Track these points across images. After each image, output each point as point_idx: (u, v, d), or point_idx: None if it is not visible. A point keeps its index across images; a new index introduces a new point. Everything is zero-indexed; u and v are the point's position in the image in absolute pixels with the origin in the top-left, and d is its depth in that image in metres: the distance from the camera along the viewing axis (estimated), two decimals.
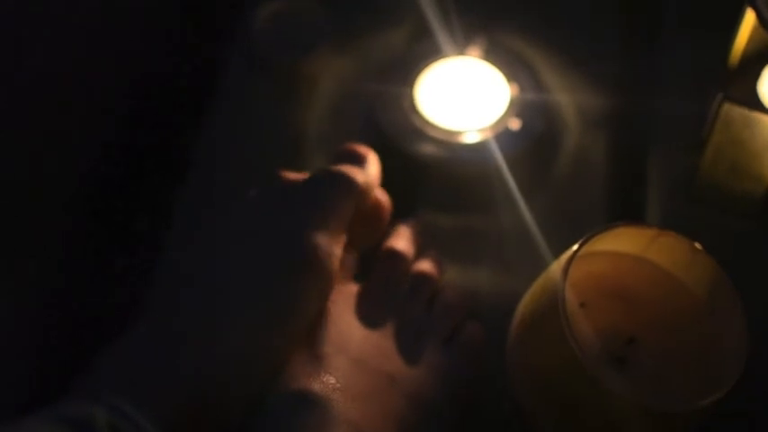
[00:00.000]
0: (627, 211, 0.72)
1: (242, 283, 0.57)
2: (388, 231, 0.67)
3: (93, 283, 0.74)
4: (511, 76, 0.75)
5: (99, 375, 0.53)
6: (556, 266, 0.55)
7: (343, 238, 0.61)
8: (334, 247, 0.59)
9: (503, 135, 0.72)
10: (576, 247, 0.54)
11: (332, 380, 0.56)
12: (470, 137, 0.72)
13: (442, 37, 0.77)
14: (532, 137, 0.73)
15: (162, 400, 0.52)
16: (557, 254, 0.57)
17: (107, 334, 0.55)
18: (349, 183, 0.61)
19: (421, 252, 0.67)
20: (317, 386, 0.55)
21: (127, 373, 0.53)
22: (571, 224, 0.68)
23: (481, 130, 0.72)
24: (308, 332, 0.59)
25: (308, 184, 0.61)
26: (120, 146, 0.81)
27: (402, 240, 0.66)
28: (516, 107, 0.73)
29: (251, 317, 0.56)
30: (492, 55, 0.76)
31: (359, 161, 0.64)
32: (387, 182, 0.67)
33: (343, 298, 0.61)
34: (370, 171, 0.64)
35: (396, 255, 0.65)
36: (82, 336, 0.69)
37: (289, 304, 0.57)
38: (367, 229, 0.65)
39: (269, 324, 0.56)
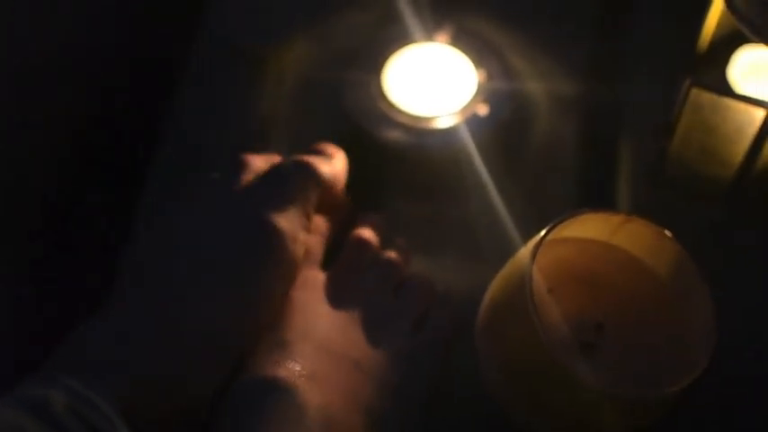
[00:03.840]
0: (595, 197, 0.72)
1: (206, 267, 0.57)
2: (354, 221, 0.67)
3: (59, 263, 0.74)
4: (479, 61, 0.75)
5: (61, 358, 0.52)
6: (523, 252, 0.55)
7: (307, 224, 0.60)
8: (298, 232, 0.59)
9: (470, 121, 0.71)
10: (543, 232, 0.54)
11: (297, 366, 0.56)
12: (438, 122, 0.71)
13: (410, 22, 0.76)
14: (500, 122, 0.72)
15: (124, 385, 0.51)
16: (525, 240, 0.56)
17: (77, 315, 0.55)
18: (313, 170, 0.62)
19: (388, 240, 0.66)
20: (282, 372, 0.55)
21: (89, 357, 0.52)
22: (540, 210, 0.68)
23: (449, 116, 0.72)
24: (274, 319, 0.58)
25: (273, 170, 0.61)
26: (87, 131, 0.80)
27: (369, 229, 0.66)
28: (484, 93, 0.73)
29: (215, 302, 0.56)
30: (460, 41, 0.76)
31: (326, 156, 0.64)
32: (354, 168, 0.67)
33: (310, 285, 0.61)
34: (337, 164, 0.64)
35: (362, 242, 0.65)
36: (56, 316, 0.69)
37: (252, 289, 0.57)
38: (327, 217, 0.65)
39: (233, 309, 0.56)
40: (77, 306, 0.63)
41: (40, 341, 0.62)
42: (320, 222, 0.65)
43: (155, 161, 0.75)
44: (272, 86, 0.78)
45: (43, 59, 0.75)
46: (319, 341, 0.58)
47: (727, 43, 0.67)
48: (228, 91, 0.78)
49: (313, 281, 0.61)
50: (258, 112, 0.77)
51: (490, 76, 0.74)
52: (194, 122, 0.77)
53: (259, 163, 0.62)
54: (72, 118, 0.80)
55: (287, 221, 0.58)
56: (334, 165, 0.64)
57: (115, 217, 0.74)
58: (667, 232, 0.56)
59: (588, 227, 0.57)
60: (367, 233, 0.65)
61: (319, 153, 0.65)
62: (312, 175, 0.61)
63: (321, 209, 0.64)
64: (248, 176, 0.61)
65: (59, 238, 0.78)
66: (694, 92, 0.64)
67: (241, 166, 0.62)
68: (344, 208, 0.67)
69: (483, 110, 0.72)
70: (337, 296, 0.61)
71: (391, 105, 0.73)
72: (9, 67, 0.72)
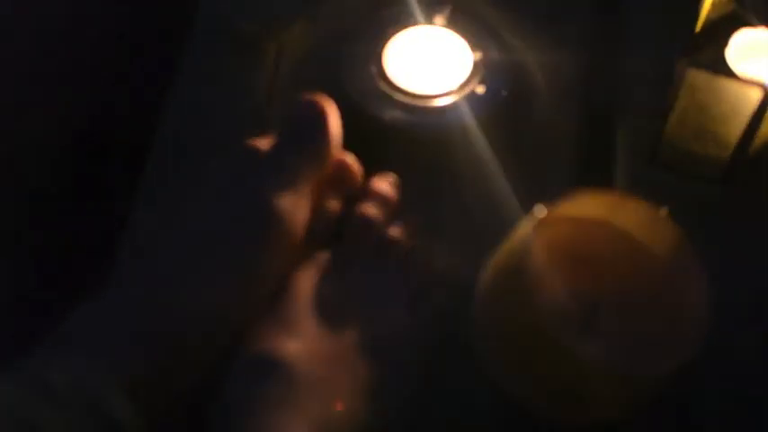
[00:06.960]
0: (593, 176, 0.72)
1: (206, 248, 0.57)
2: (362, 189, 0.66)
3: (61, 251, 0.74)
4: (477, 42, 0.75)
5: (62, 337, 0.53)
6: (521, 231, 0.55)
7: (308, 200, 0.60)
8: (298, 209, 0.59)
9: (468, 99, 0.72)
10: (540, 211, 0.54)
11: (298, 343, 0.56)
12: (436, 101, 0.72)
13: (408, 4, 0.76)
14: (498, 101, 0.73)
15: (124, 363, 0.52)
16: (523, 218, 0.57)
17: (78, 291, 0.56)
18: (312, 142, 0.61)
19: (395, 212, 0.66)
20: (283, 349, 0.55)
21: (91, 336, 0.53)
22: (537, 189, 0.68)
23: (446, 95, 0.72)
24: (275, 297, 0.59)
25: (272, 150, 0.61)
26: (87, 124, 0.80)
27: (373, 205, 0.65)
28: (481, 72, 0.73)
29: (215, 278, 0.56)
30: (458, 22, 0.76)
31: (319, 116, 0.63)
32: (354, 148, 0.67)
33: (312, 264, 0.61)
34: (332, 125, 0.63)
35: (366, 221, 0.64)
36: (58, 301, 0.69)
37: (252, 265, 0.57)
38: (337, 192, 0.65)
39: (233, 285, 0.56)
40: (79, 291, 0.64)
41: (41, 326, 0.63)
42: (326, 199, 0.64)
43: (156, 143, 0.75)
44: (270, 68, 0.79)
45: (44, 47, 0.76)
46: (320, 318, 0.58)
47: (724, 24, 0.67)
48: (228, 74, 0.79)
49: (315, 259, 0.61)
50: (257, 93, 0.77)
51: (488, 56, 0.74)
52: (194, 106, 0.78)
53: (259, 144, 0.62)
54: (72, 110, 0.80)
55: (288, 201, 0.58)
56: (330, 126, 0.62)
57: (117, 204, 0.74)
58: (663, 212, 0.56)
59: (585, 206, 0.58)
60: (371, 210, 0.64)
61: (309, 111, 0.63)
62: (312, 149, 0.61)
63: (327, 182, 0.64)
64: (249, 155, 0.61)
65: (60, 228, 0.78)
66: (691, 72, 0.64)
67: (241, 148, 0.62)
68: (352, 180, 0.66)
69: (481, 89, 0.72)
70: (339, 275, 0.61)
71: (390, 85, 0.73)
72: (11, 50, 0.72)
